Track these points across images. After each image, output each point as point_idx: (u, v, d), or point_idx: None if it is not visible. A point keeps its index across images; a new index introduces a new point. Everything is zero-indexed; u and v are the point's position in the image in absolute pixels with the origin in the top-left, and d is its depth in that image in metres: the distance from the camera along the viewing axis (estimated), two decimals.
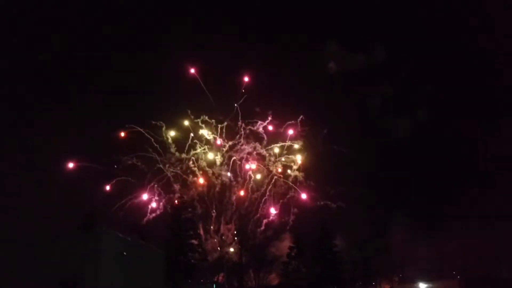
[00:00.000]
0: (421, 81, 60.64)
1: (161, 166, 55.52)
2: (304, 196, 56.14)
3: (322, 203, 55.19)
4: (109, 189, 53.62)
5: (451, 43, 58.59)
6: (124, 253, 28.41)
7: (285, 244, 52.38)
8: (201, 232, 54.45)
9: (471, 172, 56.41)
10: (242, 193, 56.87)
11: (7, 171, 45.80)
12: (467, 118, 57.67)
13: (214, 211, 56.41)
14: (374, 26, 61.14)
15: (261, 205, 56.52)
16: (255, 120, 57.27)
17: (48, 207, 45.34)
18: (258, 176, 57.58)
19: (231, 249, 54.78)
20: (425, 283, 53.22)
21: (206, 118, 56.30)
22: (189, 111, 56.24)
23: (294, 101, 58.10)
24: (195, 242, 46.69)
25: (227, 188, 56.94)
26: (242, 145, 57.41)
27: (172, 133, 56.35)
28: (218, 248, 54.99)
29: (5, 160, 46.69)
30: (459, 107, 58.18)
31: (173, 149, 56.27)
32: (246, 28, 62.73)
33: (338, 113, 57.05)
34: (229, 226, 56.43)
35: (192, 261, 45.53)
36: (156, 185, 55.08)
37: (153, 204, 55.13)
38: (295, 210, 56.11)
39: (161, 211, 54.78)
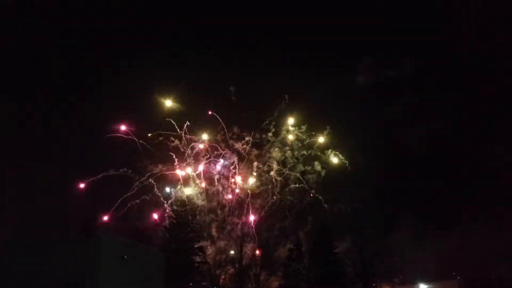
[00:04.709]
0: (438, 92, 61.23)
1: (181, 175, 56.02)
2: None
3: (336, 208, 55.76)
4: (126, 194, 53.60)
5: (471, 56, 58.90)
6: (125, 257, 28.39)
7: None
8: (215, 232, 55.17)
9: (471, 174, 56.75)
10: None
11: (16, 174, 45.67)
12: (471, 123, 58.60)
13: (232, 216, 57.06)
14: (400, 40, 62.37)
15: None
16: (284, 127, 58.81)
17: (50, 210, 45.39)
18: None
19: (231, 252, 54.87)
20: (426, 284, 53.34)
21: (237, 130, 57.92)
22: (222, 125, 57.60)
23: (323, 112, 59.94)
24: (196, 245, 46.82)
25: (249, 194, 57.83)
26: (269, 157, 58.54)
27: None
28: (232, 252, 55.31)
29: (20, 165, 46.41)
30: (467, 116, 60.27)
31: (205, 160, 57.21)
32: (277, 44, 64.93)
33: (360, 124, 59.69)
34: (246, 229, 56.85)
35: (195, 264, 45.60)
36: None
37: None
38: (311, 218, 56.63)
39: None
